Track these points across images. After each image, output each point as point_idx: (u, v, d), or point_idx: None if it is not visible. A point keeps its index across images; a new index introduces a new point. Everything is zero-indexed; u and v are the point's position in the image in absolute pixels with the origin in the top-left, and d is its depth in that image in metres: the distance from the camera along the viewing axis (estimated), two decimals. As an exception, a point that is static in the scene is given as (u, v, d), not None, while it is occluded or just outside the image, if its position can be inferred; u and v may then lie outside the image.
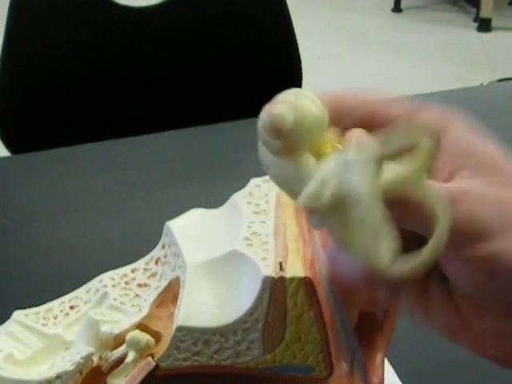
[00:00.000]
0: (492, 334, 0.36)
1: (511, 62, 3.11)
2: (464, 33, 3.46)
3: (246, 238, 0.46)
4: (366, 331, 0.51)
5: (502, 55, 3.20)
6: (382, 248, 0.28)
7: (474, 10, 3.57)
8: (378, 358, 0.51)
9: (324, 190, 0.32)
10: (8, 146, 1.16)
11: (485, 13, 3.44)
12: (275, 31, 1.20)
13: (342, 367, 0.49)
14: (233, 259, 0.46)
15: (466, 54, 3.22)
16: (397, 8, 3.70)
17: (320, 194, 0.32)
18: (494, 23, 3.45)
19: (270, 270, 0.43)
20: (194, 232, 0.49)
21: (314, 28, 3.40)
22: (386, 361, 0.61)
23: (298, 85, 1.22)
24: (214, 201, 0.54)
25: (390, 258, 0.29)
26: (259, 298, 0.43)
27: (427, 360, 0.65)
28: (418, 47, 3.26)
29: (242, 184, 0.51)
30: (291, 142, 0.33)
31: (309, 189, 0.32)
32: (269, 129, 0.33)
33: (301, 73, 1.21)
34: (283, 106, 0.33)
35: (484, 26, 3.45)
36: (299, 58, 1.21)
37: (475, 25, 3.50)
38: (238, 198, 0.50)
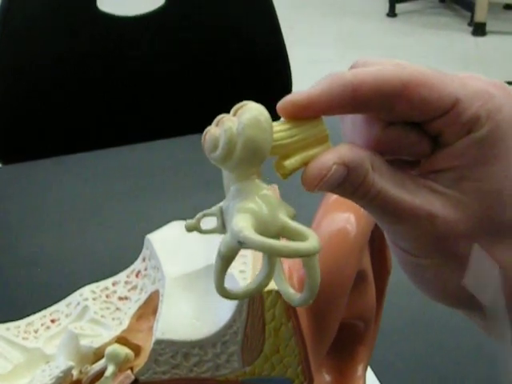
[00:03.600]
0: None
1: (506, 66, 3.12)
2: (459, 37, 3.47)
3: (225, 251, 0.46)
4: (348, 343, 0.51)
5: (497, 59, 3.21)
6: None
7: (468, 14, 3.57)
8: (360, 369, 0.51)
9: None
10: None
11: (479, 17, 3.44)
12: (264, 40, 1.20)
13: (322, 378, 0.49)
14: (211, 272, 0.46)
15: (461, 58, 3.22)
16: (392, 12, 3.70)
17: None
18: (488, 27, 3.46)
19: (247, 282, 0.43)
20: (173, 245, 0.49)
21: (308, 33, 3.40)
22: (370, 370, 0.61)
23: (288, 91, 1.22)
24: (195, 213, 0.54)
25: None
26: (238, 311, 0.43)
27: (412, 369, 0.65)
28: (413, 52, 3.26)
29: (222, 196, 0.51)
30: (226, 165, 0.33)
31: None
32: (205, 149, 0.33)
33: (290, 80, 1.21)
34: (219, 132, 0.32)
35: (479, 30, 3.46)
36: (289, 65, 1.21)
37: (470, 29, 3.50)
38: (218, 209, 0.50)
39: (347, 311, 0.49)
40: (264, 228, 0.32)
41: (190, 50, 1.19)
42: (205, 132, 0.33)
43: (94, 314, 0.49)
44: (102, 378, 0.45)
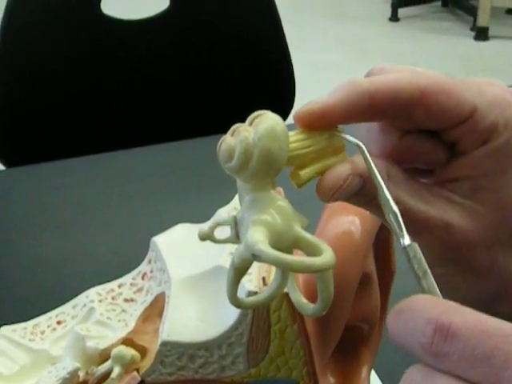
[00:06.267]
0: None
1: (508, 71, 3.12)
2: (461, 41, 3.47)
3: (231, 253, 0.47)
4: (352, 345, 0.52)
5: (500, 64, 3.21)
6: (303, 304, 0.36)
7: (471, 19, 3.58)
8: (364, 371, 0.51)
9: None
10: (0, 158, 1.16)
11: (482, 21, 3.45)
12: (267, 44, 1.21)
13: (327, 380, 0.50)
14: (217, 274, 0.46)
15: (464, 62, 3.22)
16: (394, 17, 3.71)
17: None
18: (491, 32, 3.46)
19: (253, 284, 0.44)
20: (179, 247, 0.49)
21: (310, 38, 3.41)
22: (374, 373, 0.61)
23: (292, 95, 1.22)
24: (200, 215, 0.55)
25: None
26: (243, 313, 0.44)
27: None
28: (416, 56, 3.27)
29: (228, 199, 0.51)
30: (241, 175, 0.33)
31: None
32: (220, 159, 0.33)
33: (294, 84, 1.22)
34: (234, 141, 0.32)
35: (481, 34, 3.46)
36: (292, 69, 1.21)
37: (472, 33, 3.51)
38: (223, 212, 0.50)
39: (352, 313, 0.49)
40: (278, 240, 0.32)
41: (194, 52, 1.20)
42: (220, 141, 0.33)
43: (99, 316, 0.49)
44: (108, 380, 0.45)
